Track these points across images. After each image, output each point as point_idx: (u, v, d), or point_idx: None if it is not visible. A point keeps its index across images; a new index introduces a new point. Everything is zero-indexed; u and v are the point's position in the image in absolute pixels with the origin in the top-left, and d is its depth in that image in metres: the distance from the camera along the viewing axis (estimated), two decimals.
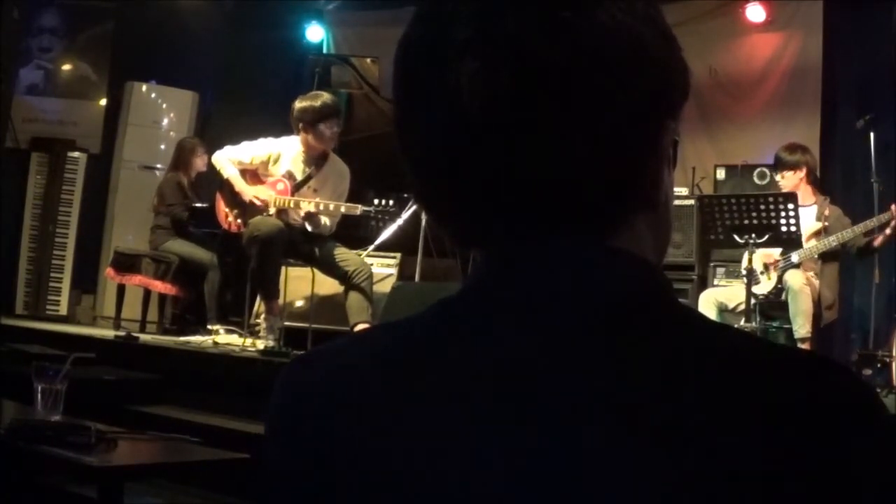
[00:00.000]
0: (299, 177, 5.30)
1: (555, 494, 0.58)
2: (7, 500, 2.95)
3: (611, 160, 0.64)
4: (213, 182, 5.67)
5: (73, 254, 7.21)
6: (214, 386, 4.64)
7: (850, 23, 6.37)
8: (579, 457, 0.58)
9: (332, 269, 5.31)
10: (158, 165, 7.23)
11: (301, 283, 5.79)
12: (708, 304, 5.15)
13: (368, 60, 7.15)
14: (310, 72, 6.96)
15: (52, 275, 7.15)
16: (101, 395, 4.22)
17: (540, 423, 0.59)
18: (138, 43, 7.36)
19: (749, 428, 0.57)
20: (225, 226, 5.42)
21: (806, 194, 5.11)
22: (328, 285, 5.62)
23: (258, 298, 5.68)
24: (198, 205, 6.25)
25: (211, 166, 5.61)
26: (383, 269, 6.04)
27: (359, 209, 5.27)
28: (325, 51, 8.26)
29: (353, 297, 5.22)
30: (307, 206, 5.18)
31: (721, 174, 6.44)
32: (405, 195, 5.43)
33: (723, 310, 5.14)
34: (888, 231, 4.73)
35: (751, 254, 4.79)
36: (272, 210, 5.24)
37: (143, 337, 5.72)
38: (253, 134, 5.44)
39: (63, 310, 7.14)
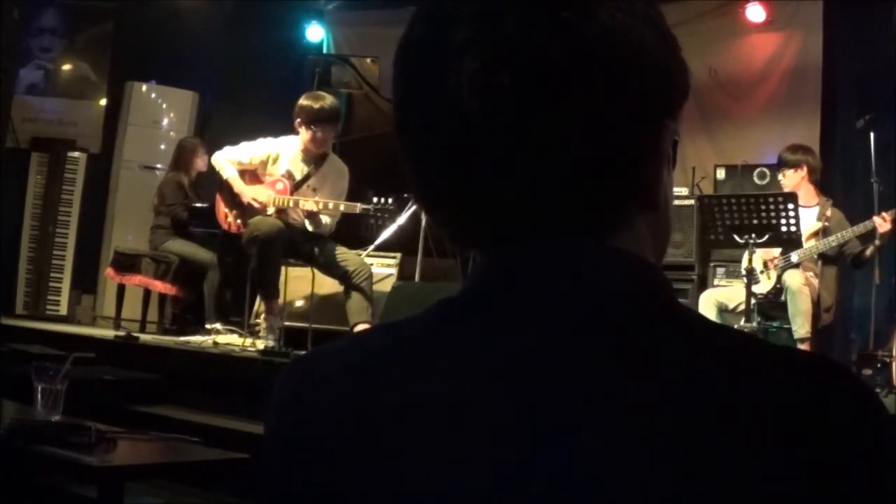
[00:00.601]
0: (298, 176, 5.30)
1: (557, 494, 0.58)
2: (7, 500, 2.95)
3: (611, 160, 0.64)
4: (213, 182, 5.67)
5: (73, 254, 7.21)
6: (214, 386, 4.65)
7: (850, 23, 6.36)
8: (581, 457, 0.58)
9: (332, 268, 5.31)
10: (158, 165, 7.23)
11: (301, 283, 5.79)
12: (708, 304, 5.15)
13: (368, 60, 7.15)
14: (310, 72, 6.96)
15: (52, 275, 7.15)
16: (101, 395, 4.22)
17: (541, 424, 0.59)
18: (138, 43, 7.36)
19: (749, 428, 0.57)
20: (225, 226, 5.42)
21: (808, 195, 5.12)
22: (328, 285, 5.62)
23: (258, 298, 5.68)
24: (198, 205, 6.25)
25: (211, 166, 5.61)
26: (383, 269, 6.04)
27: (358, 207, 5.27)
28: (325, 51, 8.26)
29: (353, 297, 5.23)
30: (308, 204, 5.18)
31: (721, 174, 6.44)
32: (405, 195, 5.43)
33: (723, 310, 5.14)
34: (881, 234, 4.75)
35: (751, 254, 4.79)
36: (271, 210, 5.24)
37: (143, 337, 5.73)
38: (253, 134, 5.44)
39: (63, 310, 7.14)
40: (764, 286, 5.08)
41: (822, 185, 5.30)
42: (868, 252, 4.89)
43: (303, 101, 5.17)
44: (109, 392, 4.44)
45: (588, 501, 0.57)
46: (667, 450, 0.57)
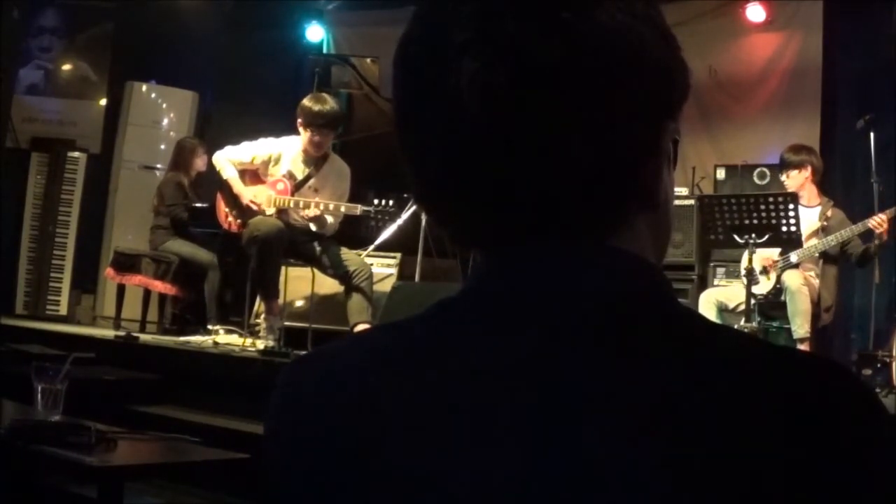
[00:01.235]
0: (299, 177, 5.30)
1: (557, 495, 0.58)
2: (7, 500, 2.95)
3: (610, 160, 0.64)
4: (214, 182, 5.67)
5: (73, 254, 7.21)
6: (214, 386, 4.65)
7: (850, 23, 6.36)
8: (582, 457, 0.58)
9: (332, 269, 5.31)
10: (158, 165, 7.23)
11: (301, 283, 5.79)
12: (708, 304, 5.15)
13: (368, 60, 7.15)
14: (310, 72, 6.96)
15: (52, 275, 7.15)
16: (101, 395, 4.22)
17: (541, 424, 0.59)
18: (138, 43, 7.36)
19: (749, 428, 0.57)
20: (225, 226, 5.42)
21: (811, 195, 5.12)
22: (328, 285, 5.62)
23: (258, 298, 5.68)
24: (198, 205, 6.25)
25: (211, 166, 5.61)
26: (383, 269, 6.04)
27: (358, 209, 5.26)
28: (325, 51, 8.26)
29: (353, 297, 5.23)
30: (309, 210, 5.17)
31: (721, 174, 6.44)
32: (405, 195, 5.43)
33: (723, 310, 5.14)
34: (879, 234, 4.75)
35: (751, 254, 4.79)
36: (271, 210, 5.24)
37: (143, 337, 5.73)
38: (253, 134, 5.44)
39: (63, 310, 7.14)
40: (764, 286, 5.08)
41: (823, 185, 5.30)
42: (872, 249, 4.88)
43: (305, 102, 5.17)
44: (109, 392, 4.44)
45: (589, 501, 0.57)
46: (667, 450, 0.57)
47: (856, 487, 0.57)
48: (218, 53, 7.77)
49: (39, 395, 2.67)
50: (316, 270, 5.51)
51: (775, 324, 5.16)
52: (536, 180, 0.63)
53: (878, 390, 4.43)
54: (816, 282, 5.02)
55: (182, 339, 5.70)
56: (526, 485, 0.58)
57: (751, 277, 4.80)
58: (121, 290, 6.36)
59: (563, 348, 0.61)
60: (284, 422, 0.69)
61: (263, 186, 5.32)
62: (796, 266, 5.01)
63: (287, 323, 5.64)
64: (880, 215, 4.76)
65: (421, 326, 0.67)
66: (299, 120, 5.17)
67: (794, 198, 4.82)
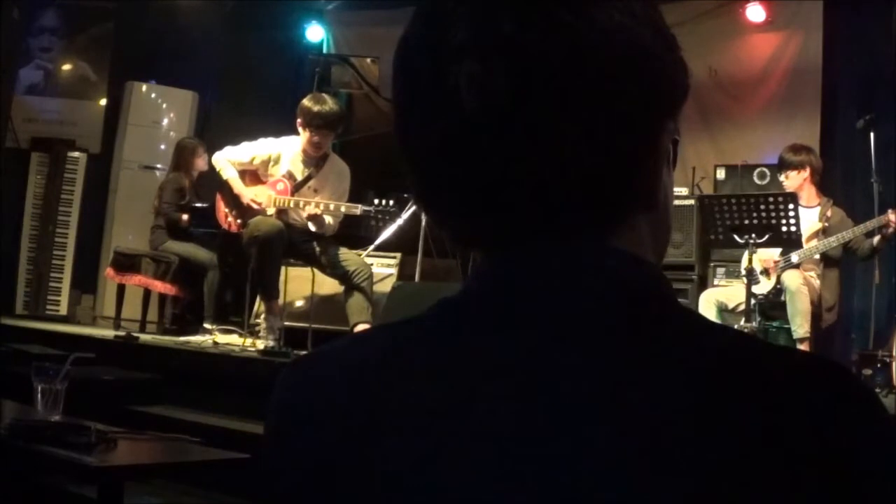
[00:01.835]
0: (299, 177, 5.30)
1: (558, 495, 0.58)
2: (7, 500, 2.95)
3: (610, 160, 0.64)
4: (214, 182, 5.67)
5: (73, 254, 7.21)
6: (214, 386, 4.64)
7: (850, 23, 6.36)
8: (582, 457, 0.58)
9: (332, 269, 5.31)
10: (158, 165, 7.23)
11: (301, 283, 5.79)
12: (708, 304, 5.15)
13: (368, 60, 7.15)
14: (310, 72, 6.96)
15: (52, 275, 7.15)
16: (101, 395, 4.22)
17: (544, 424, 0.59)
18: (138, 43, 7.36)
19: (749, 428, 0.57)
20: (225, 226, 5.42)
21: (810, 195, 5.11)
22: (328, 285, 5.62)
23: (258, 298, 5.68)
24: (198, 205, 6.26)
25: (211, 166, 5.61)
26: (383, 269, 6.04)
27: (359, 209, 5.26)
28: (325, 51, 8.26)
29: (354, 297, 5.23)
30: (309, 208, 5.17)
31: (721, 174, 6.44)
32: (405, 195, 5.43)
33: (723, 310, 5.14)
34: (890, 230, 4.73)
35: (751, 254, 4.79)
36: (272, 210, 5.24)
37: (143, 337, 5.73)
38: (253, 134, 5.44)
39: (63, 310, 7.14)
40: (764, 286, 5.08)
41: (822, 185, 5.30)
42: (876, 242, 4.85)
43: (305, 103, 5.17)
44: (109, 392, 4.44)
45: (590, 501, 0.57)
46: (668, 450, 0.57)
47: (856, 487, 0.57)
48: (218, 53, 7.77)
49: (39, 395, 2.67)
50: (316, 270, 5.51)
51: (775, 324, 5.16)
52: (536, 181, 0.63)
53: (878, 390, 4.43)
54: (817, 282, 5.01)
55: (182, 338, 5.70)
56: (528, 485, 0.58)
57: (751, 277, 4.80)
58: (121, 290, 6.36)
59: (563, 348, 0.61)
60: (284, 422, 0.69)
61: (263, 186, 5.32)
62: (797, 266, 5.01)
63: (287, 323, 5.64)
64: (891, 212, 4.71)
65: (421, 327, 0.67)
66: (299, 120, 5.17)
67: (794, 198, 4.81)
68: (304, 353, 0.76)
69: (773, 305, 5.10)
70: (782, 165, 5.14)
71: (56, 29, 7.52)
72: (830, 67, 6.48)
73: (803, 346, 4.64)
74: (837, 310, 5.15)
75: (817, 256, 5.04)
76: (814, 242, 5.01)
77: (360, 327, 4.99)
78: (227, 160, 5.33)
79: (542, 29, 0.62)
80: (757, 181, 6.22)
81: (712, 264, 5.96)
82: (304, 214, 5.21)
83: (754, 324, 4.86)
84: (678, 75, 0.68)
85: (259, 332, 5.45)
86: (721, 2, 6.92)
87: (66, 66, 7.57)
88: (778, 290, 5.02)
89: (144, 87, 7.49)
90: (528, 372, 0.61)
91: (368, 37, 7.88)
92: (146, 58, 7.41)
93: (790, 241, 4.88)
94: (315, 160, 5.32)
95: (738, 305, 5.06)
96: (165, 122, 7.51)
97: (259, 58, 7.84)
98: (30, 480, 3.16)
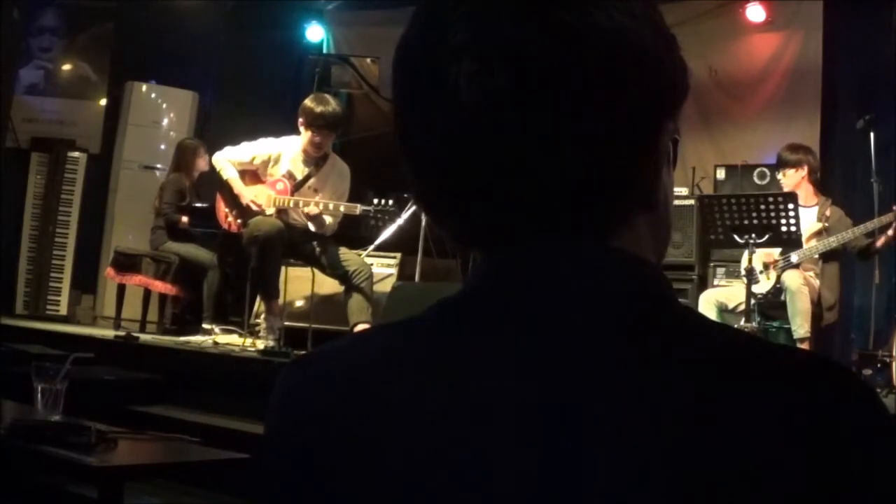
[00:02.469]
0: (299, 176, 5.30)
1: (559, 495, 0.58)
2: (7, 500, 2.95)
3: (610, 160, 0.64)
4: (214, 182, 5.67)
5: (73, 254, 7.21)
6: (214, 386, 4.64)
7: (850, 23, 6.36)
8: (582, 457, 0.58)
9: (332, 269, 5.31)
10: (158, 165, 7.23)
11: (301, 283, 5.79)
12: (708, 304, 5.15)
13: (368, 60, 7.15)
14: (310, 72, 6.96)
15: (52, 275, 7.15)
16: (101, 395, 4.22)
17: (546, 424, 0.59)
18: (138, 43, 7.36)
19: (750, 427, 0.57)
20: (225, 226, 5.42)
21: (808, 195, 5.11)
22: (328, 285, 5.62)
23: (258, 298, 5.68)
24: (198, 205, 6.26)
25: (212, 166, 5.62)
26: (383, 269, 6.04)
27: (358, 209, 5.26)
28: (325, 51, 8.26)
29: (354, 297, 5.23)
30: (309, 208, 5.17)
31: (721, 174, 6.44)
32: (405, 195, 5.42)
33: (723, 310, 5.14)
34: (890, 232, 4.73)
35: (751, 254, 4.79)
36: (272, 210, 5.24)
37: (143, 337, 5.72)
38: (253, 134, 5.44)
39: (63, 310, 7.14)
40: (764, 286, 5.08)
41: (822, 184, 5.30)
42: (879, 243, 4.84)
43: (307, 103, 5.17)
44: (109, 392, 4.44)
45: (590, 501, 0.57)
46: (669, 449, 0.57)
47: (857, 487, 0.57)
48: (218, 53, 7.77)
49: (39, 395, 2.67)
50: (316, 270, 5.51)
51: (775, 324, 5.16)
52: (536, 181, 0.63)
53: (878, 390, 4.43)
54: (816, 282, 5.01)
55: (182, 339, 5.70)
56: (528, 485, 0.58)
57: (751, 277, 4.80)
58: (121, 290, 6.36)
59: (563, 348, 0.61)
60: (284, 422, 0.69)
61: (263, 186, 5.32)
62: (796, 266, 5.01)
63: (287, 323, 5.64)
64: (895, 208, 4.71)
65: (421, 327, 0.67)
66: (300, 120, 5.17)
67: (793, 198, 4.81)
68: (304, 353, 0.76)
69: (773, 305, 5.10)
70: (780, 163, 5.16)
71: (56, 29, 7.52)
72: (830, 67, 6.48)
73: (803, 346, 4.64)
74: (838, 309, 5.15)
75: (816, 256, 5.04)
76: (813, 242, 5.01)
77: (360, 327, 4.99)
78: (228, 160, 5.33)
79: (542, 29, 0.62)
80: (757, 181, 6.22)
81: (712, 264, 5.96)
82: (307, 213, 5.21)
83: (754, 324, 4.86)
84: (678, 75, 0.68)
85: (259, 332, 5.45)
86: (721, 2, 6.92)
87: (66, 66, 7.57)
88: (778, 289, 5.02)
89: (144, 87, 7.49)
90: (529, 372, 0.61)
91: (368, 37, 7.88)
92: (146, 58, 7.41)
93: (790, 241, 4.88)
94: (315, 160, 5.32)
95: (738, 305, 5.06)
96: (165, 122, 7.51)
97: (259, 58, 7.84)
98: (30, 480, 3.16)
